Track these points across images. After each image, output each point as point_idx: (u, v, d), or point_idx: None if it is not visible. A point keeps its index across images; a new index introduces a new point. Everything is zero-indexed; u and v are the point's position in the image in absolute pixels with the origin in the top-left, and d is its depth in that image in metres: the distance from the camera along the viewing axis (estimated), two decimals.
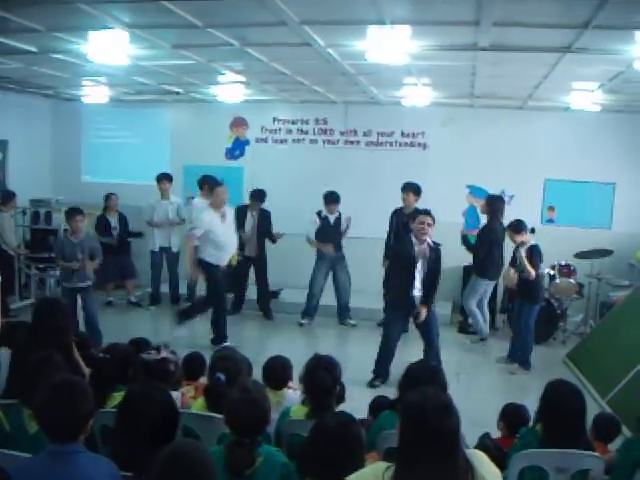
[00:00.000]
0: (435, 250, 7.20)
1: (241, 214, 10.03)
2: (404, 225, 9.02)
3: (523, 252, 7.85)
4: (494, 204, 8.81)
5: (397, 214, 9.31)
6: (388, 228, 9.42)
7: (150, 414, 3.00)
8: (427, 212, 7.24)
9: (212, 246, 8.42)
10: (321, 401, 3.76)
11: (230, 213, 8.80)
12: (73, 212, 7.98)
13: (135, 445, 2.93)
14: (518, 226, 8.06)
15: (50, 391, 2.80)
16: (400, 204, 9.26)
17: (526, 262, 7.79)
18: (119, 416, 3.11)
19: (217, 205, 8.50)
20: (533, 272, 7.79)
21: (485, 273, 8.72)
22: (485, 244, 8.59)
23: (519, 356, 8.05)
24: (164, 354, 4.02)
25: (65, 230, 9.19)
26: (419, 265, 7.16)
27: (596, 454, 3.54)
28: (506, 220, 8.55)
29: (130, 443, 2.96)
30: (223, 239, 8.48)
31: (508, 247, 8.52)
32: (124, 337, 5.33)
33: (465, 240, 9.06)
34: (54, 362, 3.70)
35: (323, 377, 3.82)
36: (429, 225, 7.06)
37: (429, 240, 7.13)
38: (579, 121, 10.15)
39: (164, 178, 10.43)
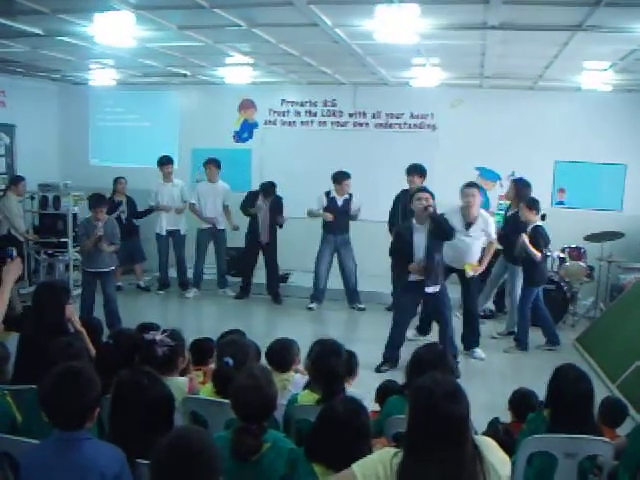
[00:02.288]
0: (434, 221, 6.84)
1: (252, 200, 9.99)
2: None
3: (524, 237, 7.76)
4: (523, 189, 8.39)
5: (404, 195, 9.23)
6: (392, 207, 9.19)
7: (140, 402, 2.98)
8: (422, 189, 7.13)
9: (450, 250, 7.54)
10: (334, 388, 3.71)
11: (481, 223, 7.74)
12: (98, 203, 7.90)
13: (129, 432, 2.92)
14: (531, 202, 7.96)
15: (54, 378, 2.79)
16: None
17: (528, 245, 7.70)
18: (112, 404, 3.10)
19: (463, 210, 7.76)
20: (539, 254, 7.72)
21: (519, 260, 8.33)
22: (519, 232, 8.02)
23: (517, 336, 8.09)
24: (158, 337, 3.97)
25: (75, 214, 9.27)
26: (420, 249, 6.93)
27: (605, 439, 3.50)
28: None
29: (124, 430, 2.96)
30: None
31: None
32: (132, 322, 5.32)
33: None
34: (75, 348, 3.70)
35: (336, 364, 3.79)
36: (427, 199, 6.83)
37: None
38: (590, 101, 10.04)
39: (167, 162, 10.39)
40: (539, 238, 7.79)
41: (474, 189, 7.74)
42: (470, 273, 7.65)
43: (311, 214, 9.62)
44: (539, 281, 8.05)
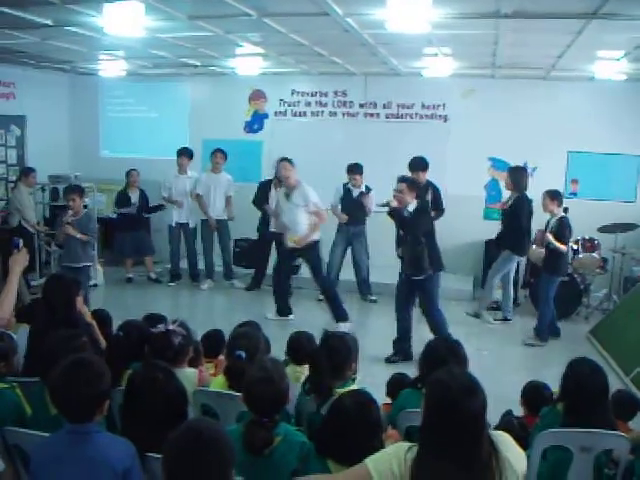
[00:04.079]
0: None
1: (264, 189, 9.96)
2: (416, 198, 8.96)
3: (550, 237, 7.77)
4: (517, 176, 8.49)
5: None
6: None
7: (153, 397, 2.97)
8: (404, 179, 7.13)
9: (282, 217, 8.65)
10: (320, 378, 3.68)
11: (298, 193, 8.28)
12: (69, 190, 7.84)
13: (142, 427, 2.91)
14: (555, 193, 8.00)
15: (64, 370, 2.76)
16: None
17: (554, 241, 7.72)
18: (124, 399, 3.09)
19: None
20: (563, 247, 7.75)
21: (518, 249, 8.43)
22: (518, 218, 8.26)
23: (538, 327, 8.04)
24: (171, 327, 3.97)
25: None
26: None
27: (622, 433, 3.45)
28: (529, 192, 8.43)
29: (137, 425, 2.94)
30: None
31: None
32: (143, 314, 5.30)
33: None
34: (78, 341, 3.67)
35: (321, 355, 3.75)
36: (399, 192, 6.95)
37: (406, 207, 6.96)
38: (604, 91, 9.93)
39: (184, 153, 10.36)
40: (565, 229, 7.80)
41: (285, 163, 8.35)
42: (290, 244, 8.20)
43: (334, 212, 9.59)
44: (564, 270, 8.09)
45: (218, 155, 10.15)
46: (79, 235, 7.60)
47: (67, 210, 7.68)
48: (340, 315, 8.26)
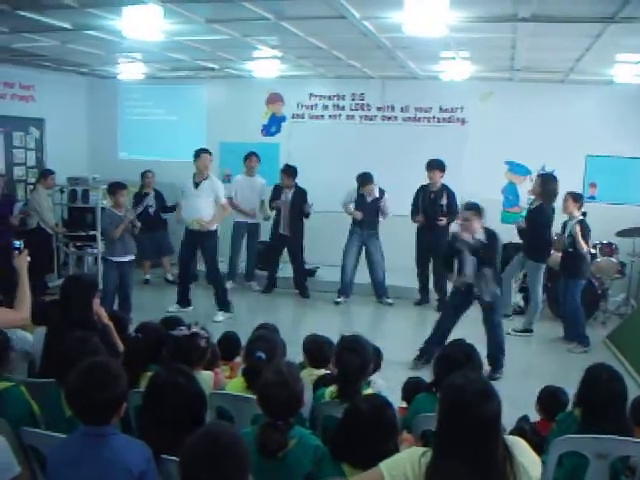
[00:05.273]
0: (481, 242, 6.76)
1: (276, 193, 10.01)
2: (431, 202, 8.96)
3: (577, 228, 7.74)
4: (549, 184, 8.21)
5: (423, 190, 9.23)
6: (412, 203, 9.44)
7: (174, 401, 2.98)
8: (469, 206, 6.85)
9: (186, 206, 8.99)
10: (347, 384, 3.69)
11: (208, 184, 8.71)
12: (118, 187, 8.09)
13: (160, 429, 2.91)
14: (578, 195, 8.05)
15: (81, 374, 2.76)
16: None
17: (580, 237, 7.70)
18: (144, 401, 3.09)
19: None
20: (586, 247, 7.74)
21: (542, 257, 8.26)
22: (545, 228, 8.11)
23: (575, 334, 7.99)
24: (195, 329, 3.99)
25: (104, 208, 9.22)
26: (463, 262, 6.86)
27: (638, 440, 3.42)
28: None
29: (155, 428, 2.95)
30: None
31: None
32: (160, 315, 5.33)
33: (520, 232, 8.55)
34: (91, 343, 3.68)
35: (349, 359, 3.75)
36: (466, 220, 6.75)
37: (475, 234, 6.72)
38: (622, 95, 9.83)
39: (196, 156, 10.34)
40: (586, 230, 7.80)
41: (205, 154, 8.83)
42: (196, 226, 8.58)
43: (346, 210, 9.60)
44: (587, 272, 8.07)
45: (253, 158, 10.21)
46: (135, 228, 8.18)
47: (119, 207, 8.05)
48: (224, 305, 8.87)
